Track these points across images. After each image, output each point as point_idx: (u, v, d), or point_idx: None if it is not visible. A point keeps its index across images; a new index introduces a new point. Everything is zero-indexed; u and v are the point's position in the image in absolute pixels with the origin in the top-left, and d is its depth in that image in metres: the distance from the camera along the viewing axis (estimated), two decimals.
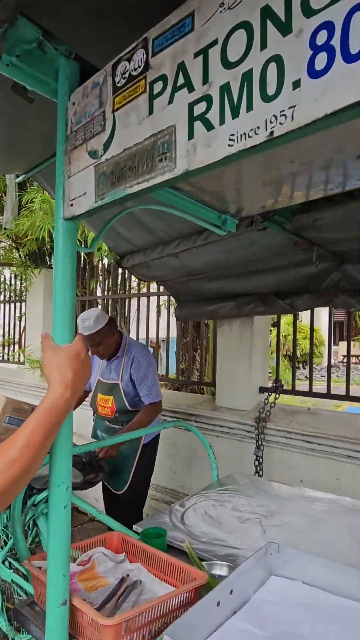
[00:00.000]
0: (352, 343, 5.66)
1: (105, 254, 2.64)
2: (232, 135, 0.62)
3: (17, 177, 2.06)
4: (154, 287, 3.47)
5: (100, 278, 3.89)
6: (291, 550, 0.97)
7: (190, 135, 0.68)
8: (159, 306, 3.38)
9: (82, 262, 4.11)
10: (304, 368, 11.26)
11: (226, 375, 2.66)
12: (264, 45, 0.58)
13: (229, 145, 0.63)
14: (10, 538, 1.94)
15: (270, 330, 3.34)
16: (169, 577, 1.09)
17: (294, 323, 2.94)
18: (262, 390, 2.64)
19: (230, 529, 1.39)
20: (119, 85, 0.82)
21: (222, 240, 1.95)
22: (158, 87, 0.74)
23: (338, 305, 2.12)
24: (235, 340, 2.63)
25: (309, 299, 2.19)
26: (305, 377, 3.66)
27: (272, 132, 0.57)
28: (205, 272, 2.38)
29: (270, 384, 2.61)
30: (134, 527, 1.42)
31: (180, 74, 0.70)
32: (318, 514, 1.50)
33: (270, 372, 2.95)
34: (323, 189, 1.30)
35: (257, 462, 2.37)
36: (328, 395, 2.54)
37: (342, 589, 0.89)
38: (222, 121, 0.63)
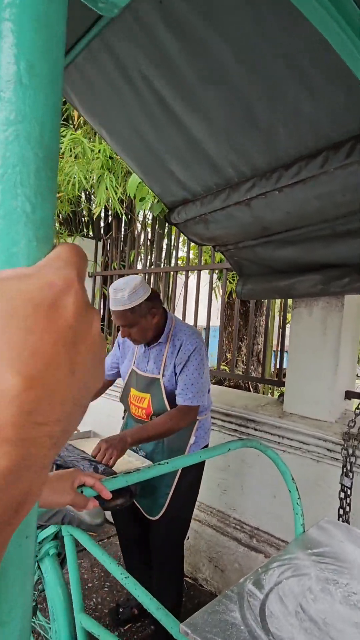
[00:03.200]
0: None
1: (148, 207, 2.08)
2: None
3: None
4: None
5: (142, 249, 3.32)
6: None
7: None
8: (211, 284, 2.76)
9: (121, 230, 3.56)
10: None
11: (300, 373, 2.02)
12: None
13: None
14: None
15: None
16: None
17: None
18: (350, 395, 1.98)
19: None
20: None
21: (318, 178, 1.32)
22: None
23: None
24: (316, 327, 1.98)
25: None
26: None
27: None
28: (283, 231, 1.73)
29: None
30: (183, 627, 0.84)
31: None
32: None
33: None
34: None
35: (343, 495, 1.73)
36: None
37: None
38: None
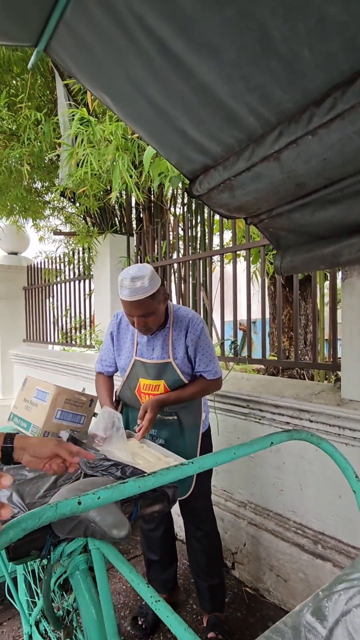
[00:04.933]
0: None
1: (169, 183, 1.89)
2: None
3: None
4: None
5: (175, 239, 3.16)
6: None
7: None
8: (249, 268, 2.53)
9: (152, 222, 3.42)
10: None
11: (358, 353, 1.74)
12: None
13: None
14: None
15: None
16: None
17: None
18: None
19: None
20: None
21: (358, 110, 1.09)
22: None
23: None
24: None
25: None
26: None
27: None
28: (322, 187, 1.48)
29: None
30: None
31: None
32: None
33: None
34: None
35: None
36: None
37: None
38: None
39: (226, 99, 1.25)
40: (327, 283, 3.77)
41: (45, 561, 1.11)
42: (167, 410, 1.73)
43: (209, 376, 1.74)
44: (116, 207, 3.56)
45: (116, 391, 1.92)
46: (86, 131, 2.17)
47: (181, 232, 3.27)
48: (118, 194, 3.65)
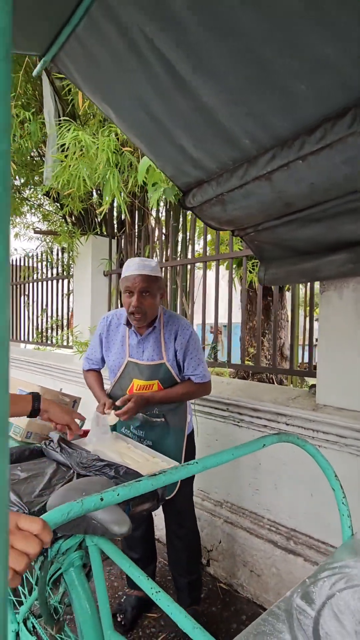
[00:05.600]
0: None
1: (161, 193, 1.96)
2: None
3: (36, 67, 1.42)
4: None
5: (157, 244, 3.22)
6: None
7: None
8: (230, 275, 2.63)
9: (134, 226, 3.47)
10: None
11: (333, 362, 1.87)
12: None
13: None
14: (32, 593, 1.34)
15: None
16: None
17: None
18: None
19: None
20: None
21: (346, 140, 1.20)
22: None
23: None
24: (347, 311, 1.83)
25: None
26: None
27: None
28: (307, 207, 1.59)
29: None
30: None
31: None
32: None
33: None
34: None
35: None
36: None
37: None
38: None
39: (225, 120, 1.34)
40: (301, 293, 3.94)
41: (42, 558, 1.14)
42: (156, 413, 1.79)
43: (197, 379, 1.80)
44: (97, 210, 3.58)
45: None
46: (79, 142, 2.19)
47: (163, 237, 3.33)
48: (97, 196, 3.67)
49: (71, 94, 3.04)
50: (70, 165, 2.28)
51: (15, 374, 4.16)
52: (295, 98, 1.18)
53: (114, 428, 1.89)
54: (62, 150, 2.41)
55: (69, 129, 2.26)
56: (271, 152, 1.38)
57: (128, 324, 1.78)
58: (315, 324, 2.31)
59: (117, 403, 1.67)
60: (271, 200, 1.56)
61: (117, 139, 2.16)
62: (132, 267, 1.67)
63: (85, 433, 1.80)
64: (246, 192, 1.55)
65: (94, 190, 2.99)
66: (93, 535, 1.11)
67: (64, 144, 2.43)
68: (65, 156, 2.34)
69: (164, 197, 1.96)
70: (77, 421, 2.21)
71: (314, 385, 2.01)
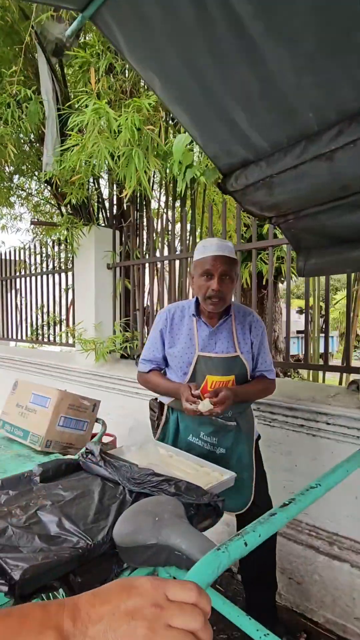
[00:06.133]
0: None
1: (199, 175, 1.79)
2: None
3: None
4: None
5: (158, 237, 3.04)
6: None
7: None
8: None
9: (136, 216, 3.28)
10: None
11: None
12: None
13: None
14: None
15: None
16: None
17: None
18: None
19: None
20: None
21: None
22: None
23: None
24: None
25: None
26: None
27: None
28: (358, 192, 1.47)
29: None
30: None
31: None
32: None
33: None
34: None
35: None
36: None
37: None
38: None
39: (290, 91, 1.19)
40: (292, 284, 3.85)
41: None
42: (229, 415, 1.61)
43: (271, 375, 1.70)
44: (95, 199, 3.37)
45: (158, 399, 1.78)
46: (100, 118, 1.98)
47: (169, 229, 3.17)
48: (95, 185, 3.46)
49: (70, 72, 2.81)
50: (85, 146, 2.07)
51: (10, 375, 3.92)
52: None
53: (175, 436, 1.69)
54: (72, 130, 2.20)
55: (86, 105, 2.05)
56: (337, 127, 1.24)
57: (197, 314, 1.62)
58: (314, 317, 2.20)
59: (207, 395, 1.45)
60: (326, 183, 1.43)
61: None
62: (211, 247, 1.54)
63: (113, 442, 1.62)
64: (300, 174, 1.41)
65: (93, 179, 2.78)
66: (172, 567, 0.96)
67: (70, 126, 2.23)
68: (81, 137, 2.12)
69: (208, 182, 1.77)
70: (99, 427, 2.05)
71: (354, 382, 1.91)
